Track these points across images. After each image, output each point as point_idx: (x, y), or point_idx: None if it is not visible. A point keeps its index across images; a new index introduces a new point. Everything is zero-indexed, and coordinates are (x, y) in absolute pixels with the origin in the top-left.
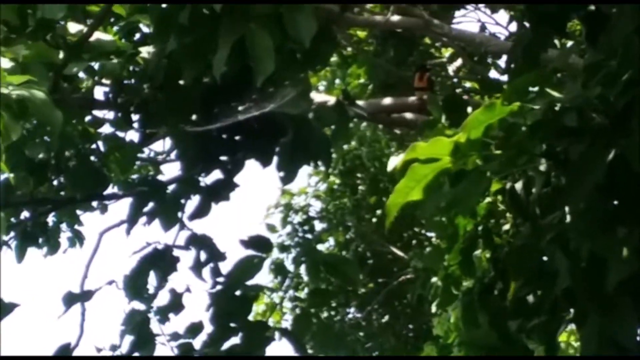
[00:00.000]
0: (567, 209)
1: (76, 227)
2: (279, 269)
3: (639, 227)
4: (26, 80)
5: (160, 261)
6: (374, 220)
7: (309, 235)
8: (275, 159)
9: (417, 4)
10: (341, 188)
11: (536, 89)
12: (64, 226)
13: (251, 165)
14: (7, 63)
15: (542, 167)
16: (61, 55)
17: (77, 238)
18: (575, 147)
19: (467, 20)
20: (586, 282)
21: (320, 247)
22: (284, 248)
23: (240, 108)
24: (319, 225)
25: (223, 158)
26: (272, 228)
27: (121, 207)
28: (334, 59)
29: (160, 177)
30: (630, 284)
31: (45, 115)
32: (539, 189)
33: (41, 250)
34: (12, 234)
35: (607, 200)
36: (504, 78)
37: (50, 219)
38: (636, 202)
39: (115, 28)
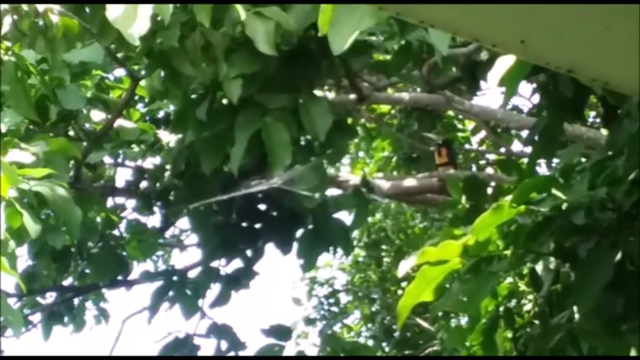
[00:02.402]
0: (575, 308)
1: (101, 304)
2: None
3: None
4: (47, 174)
5: (182, 350)
6: (400, 292)
7: (334, 308)
8: (295, 246)
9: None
10: (366, 260)
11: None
12: (89, 304)
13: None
14: (28, 157)
15: (552, 265)
16: (84, 144)
17: (103, 316)
18: (583, 246)
19: (489, 93)
20: None
21: (346, 320)
22: (309, 321)
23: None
24: (344, 298)
25: (243, 247)
26: (297, 301)
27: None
28: (358, 131)
29: (180, 263)
30: None
31: (64, 211)
32: (548, 286)
33: (67, 329)
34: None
35: (614, 298)
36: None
37: (76, 298)
38: None
39: (139, 106)
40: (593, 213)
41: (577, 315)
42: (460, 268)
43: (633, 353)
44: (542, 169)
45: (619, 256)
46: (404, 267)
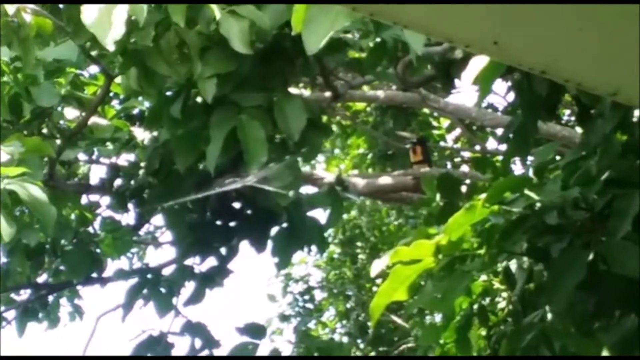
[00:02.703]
0: (548, 307)
1: (76, 301)
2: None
3: (617, 325)
4: (21, 173)
5: (155, 347)
6: (375, 289)
7: (309, 305)
8: (269, 244)
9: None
10: (341, 257)
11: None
12: (64, 300)
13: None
14: (3, 156)
15: (525, 265)
16: (58, 141)
17: (77, 312)
18: (555, 245)
19: (464, 91)
20: None
21: (321, 316)
22: (284, 318)
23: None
24: (319, 295)
25: (217, 245)
26: (272, 298)
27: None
28: (333, 128)
29: (155, 260)
30: None
31: (38, 210)
32: (521, 285)
33: (42, 325)
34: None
35: (586, 298)
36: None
37: (50, 295)
38: (614, 299)
39: (114, 103)
40: (566, 213)
41: (549, 315)
42: (433, 267)
43: (605, 352)
44: (518, 166)
45: (591, 256)
46: (377, 266)
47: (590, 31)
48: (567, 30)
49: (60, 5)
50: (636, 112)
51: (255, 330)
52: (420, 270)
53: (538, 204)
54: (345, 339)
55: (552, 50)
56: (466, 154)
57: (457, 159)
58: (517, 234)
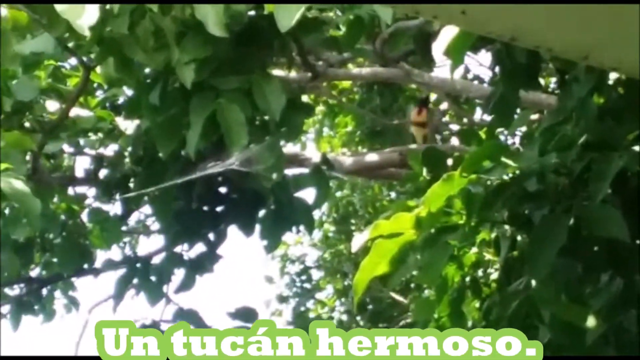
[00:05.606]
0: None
1: (71, 293)
2: None
3: (605, 289)
4: (4, 168)
5: None
6: None
7: (307, 285)
8: (257, 227)
9: None
10: (336, 235)
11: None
12: (58, 293)
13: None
14: None
15: (507, 233)
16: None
17: (73, 304)
18: (537, 212)
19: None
20: (566, 335)
21: (319, 295)
22: (282, 299)
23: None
24: (316, 274)
25: (205, 231)
26: (269, 279)
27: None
28: (320, 108)
29: (147, 249)
30: (610, 334)
31: (23, 203)
32: (504, 253)
33: (37, 319)
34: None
35: (570, 263)
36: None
37: (44, 288)
38: (599, 263)
39: (99, 93)
40: (545, 179)
41: (533, 282)
42: (415, 240)
43: (592, 318)
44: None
45: (572, 221)
46: (357, 242)
47: None
48: None
49: None
50: (612, 75)
51: (247, 314)
52: (401, 243)
53: (517, 171)
54: (344, 317)
55: (520, 17)
56: (455, 127)
57: (446, 133)
58: (498, 202)
